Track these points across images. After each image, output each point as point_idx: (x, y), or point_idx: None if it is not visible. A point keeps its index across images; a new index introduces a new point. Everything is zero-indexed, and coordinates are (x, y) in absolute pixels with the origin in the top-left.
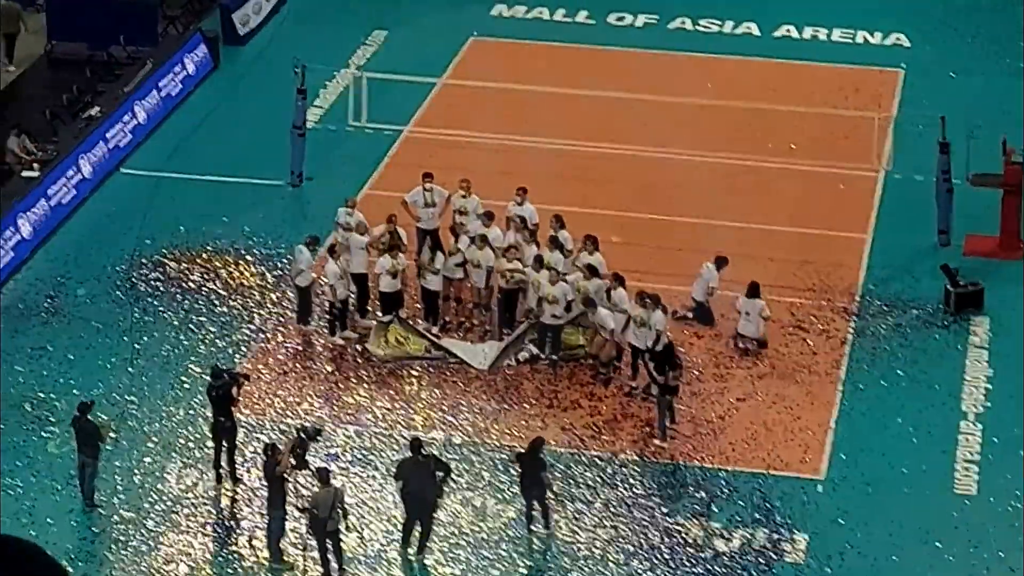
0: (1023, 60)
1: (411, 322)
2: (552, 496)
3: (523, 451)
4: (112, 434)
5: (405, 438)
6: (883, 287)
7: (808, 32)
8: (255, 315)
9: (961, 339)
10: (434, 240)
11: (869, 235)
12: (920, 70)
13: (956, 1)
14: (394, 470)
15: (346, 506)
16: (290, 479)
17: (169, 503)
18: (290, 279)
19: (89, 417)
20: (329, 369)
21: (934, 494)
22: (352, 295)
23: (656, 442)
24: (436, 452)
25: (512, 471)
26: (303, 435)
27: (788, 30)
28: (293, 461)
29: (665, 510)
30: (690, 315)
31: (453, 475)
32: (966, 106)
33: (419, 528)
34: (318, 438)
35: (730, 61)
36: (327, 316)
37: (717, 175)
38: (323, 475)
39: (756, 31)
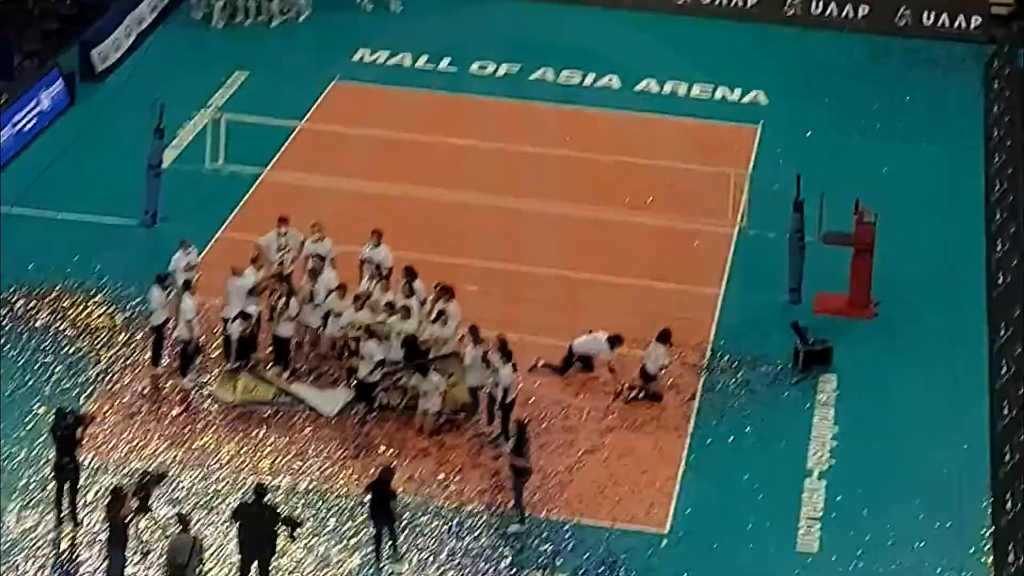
0: (878, 121)
1: (260, 371)
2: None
3: (373, 481)
4: None
5: (251, 483)
6: (733, 343)
7: (668, 86)
8: (102, 356)
9: (808, 397)
10: (287, 286)
11: (721, 291)
12: (777, 128)
13: (814, 61)
14: (232, 512)
15: (203, 555)
16: (133, 523)
17: (8, 544)
18: (143, 319)
19: None
20: (176, 412)
21: (777, 551)
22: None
23: (514, 527)
24: (281, 499)
25: (357, 518)
26: (147, 479)
27: (648, 84)
28: (136, 504)
29: (510, 562)
30: (541, 364)
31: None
32: (821, 165)
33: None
34: (162, 482)
35: (590, 113)
36: (179, 357)
37: (574, 227)
38: (184, 521)
39: (617, 84)
